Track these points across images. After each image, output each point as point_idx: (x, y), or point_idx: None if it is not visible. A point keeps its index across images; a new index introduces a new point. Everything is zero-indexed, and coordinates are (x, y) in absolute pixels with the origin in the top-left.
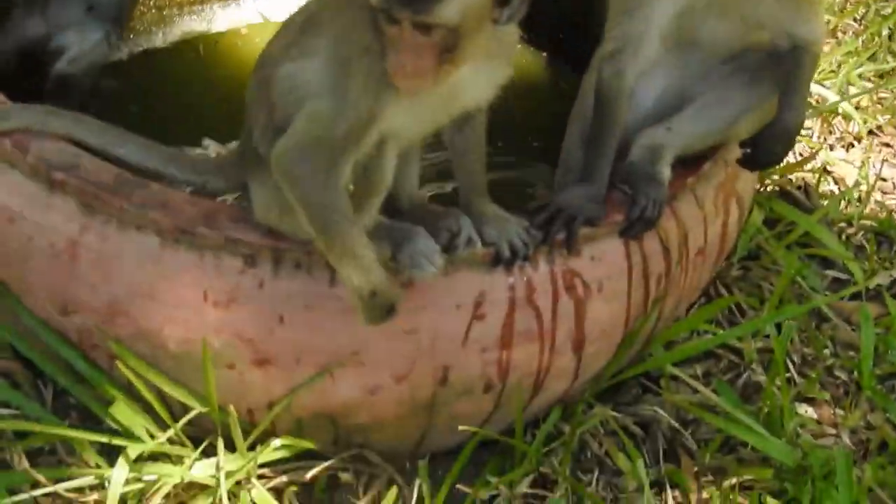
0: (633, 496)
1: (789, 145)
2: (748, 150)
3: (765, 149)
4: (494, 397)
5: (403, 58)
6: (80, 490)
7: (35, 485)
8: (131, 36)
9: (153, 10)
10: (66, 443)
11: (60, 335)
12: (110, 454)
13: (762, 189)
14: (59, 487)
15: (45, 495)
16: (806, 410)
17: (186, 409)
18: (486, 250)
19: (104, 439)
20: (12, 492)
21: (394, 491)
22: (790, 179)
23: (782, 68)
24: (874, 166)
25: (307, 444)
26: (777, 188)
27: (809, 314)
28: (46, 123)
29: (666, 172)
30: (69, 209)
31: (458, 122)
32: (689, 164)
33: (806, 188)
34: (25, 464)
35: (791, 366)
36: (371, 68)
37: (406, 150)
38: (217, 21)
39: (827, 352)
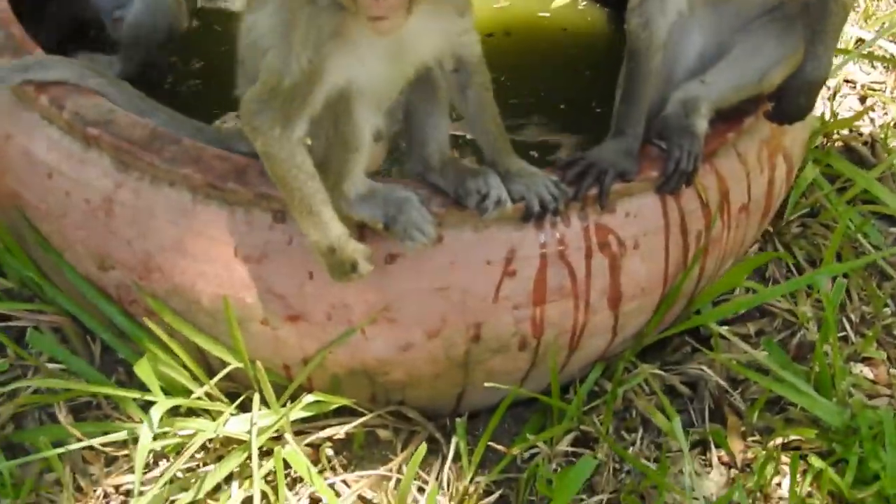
0: (676, 455)
1: (813, 97)
2: (774, 104)
3: (788, 101)
4: (531, 354)
5: None
6: (124, 443)
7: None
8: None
9: None
10: (109, 398)
11: (100, 290)
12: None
13: (826, 144)
14: (96, 442)
15: (88, 449)
16: (861, 370)
17: (225, 364)
18: (515, 206)
19: (136, 395)
20: (58, 445)
21: (423, 448)
22: (858, 135)
23: (811, 17)
24: None
25: (340, 400)
26: (843, 143)
27: (870, 272)
28: (84, 79)
29: (701, 125)
30: (104, 165)
31: (457, 86)
32: (731, 119)
33: (873, 144)
34: (70, 418)
35: (848, 325)
36: (312, 20)
37: (428, 109)
38: None
39: (887, 310)
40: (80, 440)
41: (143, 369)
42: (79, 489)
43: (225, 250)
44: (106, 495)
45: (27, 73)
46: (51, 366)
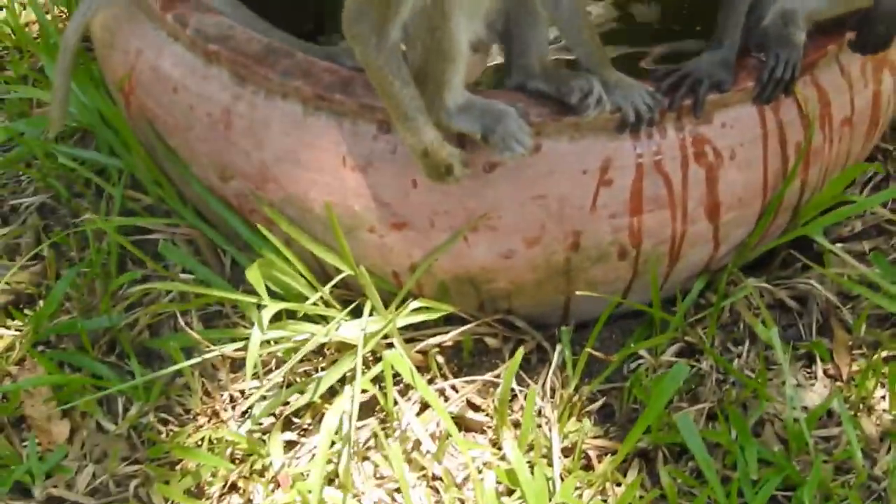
0: (781, 368)
1: (893, 26)
2: (857, 33)
3: (868, 31)
4: (631, 264)
5: None
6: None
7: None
8: None
9: None
10: (236, 307)
11: (223, 200)
12: (278, 317)
13: None
14: (223, 350)
15: (217, 355)
16: None
17: (339, 272)
18: (611, 115)
19: (253, 300)
20: (188, 351)
21: (521, 352)
22: None
23: None
24: None
25: (445, 307)
26: None
27: None
28: None
29: (799, 35)
30: (223, 79)
31: None
32: (833, 32)
33: None
34: (200, 326)
35: None
36: None
37: (526, 17)
38: None
39: None
40: (208, 347)
41: (253, 274)
42: (207, 393)
43: (334, 160)
44: (232, 399)
45: None
46: (184, 276)
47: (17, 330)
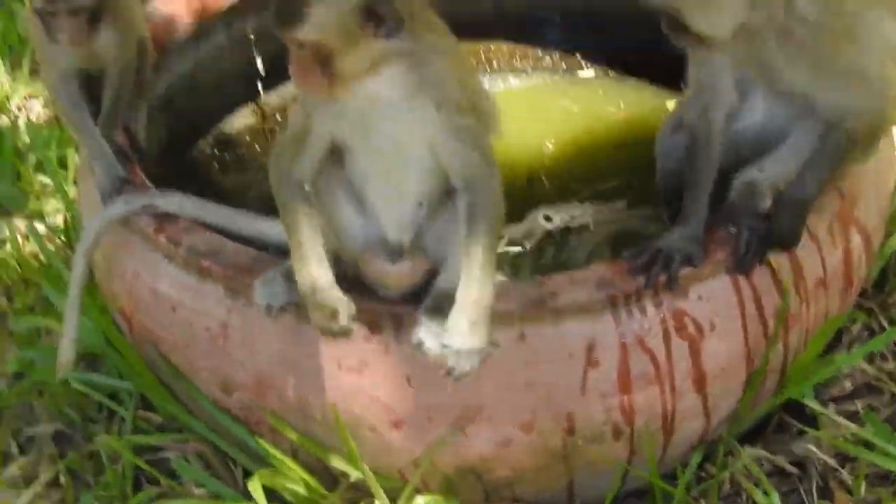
0: None
1: (796, 216)
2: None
3: (775, 220)
4: (627, 442)
5: (294, 67)
6: None
7: None
8: None
9: None
10: None
11: (229, 413)
12: None
13: None
14: None
15: None
16: None
17: (345, 474)
18: (590, 298)
19: None
20: None
21: None
22: None
23: (821, 136)
24: None
25: (451, 502)
26: None
27: None
28: (199, 208)
29: (765, 204)
30: (217, 294)
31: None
32: None
33: None
34: None
35: None
36: None
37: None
38: None
39: None
40: None
41: (254, 485)
42: None
43: (329, 364)
44: None
45: (150, 199)
46: (197, 491)
47: None
